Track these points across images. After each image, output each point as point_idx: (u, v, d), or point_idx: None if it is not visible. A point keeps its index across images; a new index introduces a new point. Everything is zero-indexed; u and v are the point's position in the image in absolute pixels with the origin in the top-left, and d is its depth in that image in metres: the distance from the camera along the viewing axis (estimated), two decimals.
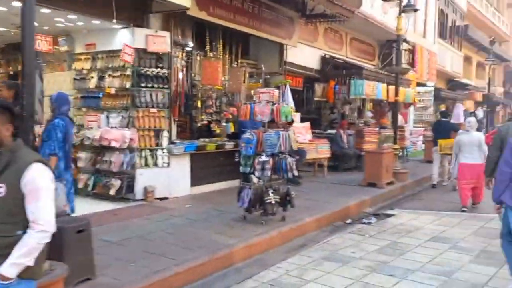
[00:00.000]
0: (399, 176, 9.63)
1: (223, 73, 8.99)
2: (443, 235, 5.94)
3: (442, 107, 19.09)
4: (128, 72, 6.98)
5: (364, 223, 6.67)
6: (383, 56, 15.75)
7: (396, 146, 10.01)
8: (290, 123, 9.13)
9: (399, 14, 9.79)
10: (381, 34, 14.33)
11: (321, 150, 10.07)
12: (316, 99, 12.47)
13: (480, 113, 22.90)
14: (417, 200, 8.70)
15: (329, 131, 11.92)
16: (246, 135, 5.99)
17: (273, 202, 5.65)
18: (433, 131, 10.54)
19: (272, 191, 5.73)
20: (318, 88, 12.34)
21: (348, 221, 6.77)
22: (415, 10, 10.13)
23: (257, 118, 6.00)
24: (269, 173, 5.75)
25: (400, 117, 16.11)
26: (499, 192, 3.67)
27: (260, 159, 5.75)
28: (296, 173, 5.98)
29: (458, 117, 14.36)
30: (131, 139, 6.79)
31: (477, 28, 26.10)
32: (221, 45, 9.16)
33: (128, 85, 6.98)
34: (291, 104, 9.65)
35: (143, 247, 4.72)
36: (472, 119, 7.81)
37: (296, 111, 12.66)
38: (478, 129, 8.26)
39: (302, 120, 11.45)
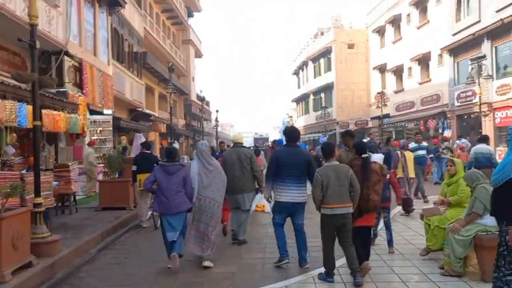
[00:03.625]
0: (44, 249, 5.91)
1: None
2: None
3: (124, 139, 16.62)
4: None
5: None
6: (39, 72, 11.73)
7: (40, 200, 6.24)
8: None
9: None
10: None
11: None
12: None
13: (176, 145, 22.99)
14: None
15: None
16: None
17: None
18: (135, 165, 8.68)
19: None
20: None
21: None
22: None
23: None
24: None
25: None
26: None
27: None
28: None
29: (138, 149, 11.98)
30: None
31: (156, 59, 25.47)
32: None
33: None
34: None
35: None
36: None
37: None
38: None
39: None
